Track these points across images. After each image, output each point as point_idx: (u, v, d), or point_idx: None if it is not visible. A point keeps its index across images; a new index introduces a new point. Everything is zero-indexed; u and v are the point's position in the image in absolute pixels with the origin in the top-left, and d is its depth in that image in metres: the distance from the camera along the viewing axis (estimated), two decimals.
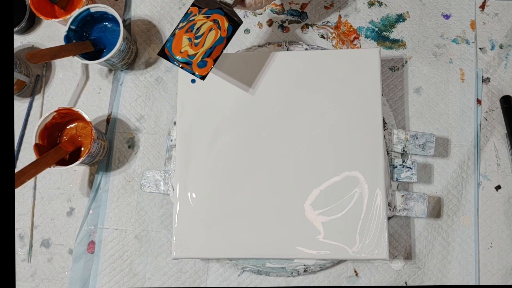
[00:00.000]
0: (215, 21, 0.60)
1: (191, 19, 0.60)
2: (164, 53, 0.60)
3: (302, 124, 0.64)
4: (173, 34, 0.60)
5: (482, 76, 0.70)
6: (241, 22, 0.61)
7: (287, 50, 0.70)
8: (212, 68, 0.59)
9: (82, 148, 0.68)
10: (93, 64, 0.73)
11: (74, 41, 0.70)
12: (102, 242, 0.68)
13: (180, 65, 0.59)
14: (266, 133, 0.64)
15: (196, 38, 0.60)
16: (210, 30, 0.60)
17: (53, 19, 0.70)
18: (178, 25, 0.61)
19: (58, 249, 0.69)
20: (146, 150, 0.71)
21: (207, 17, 0.60)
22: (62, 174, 0.72)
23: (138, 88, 0.73)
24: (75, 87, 0.73)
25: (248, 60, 0.67)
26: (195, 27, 0.60)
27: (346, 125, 0.64)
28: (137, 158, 0.71)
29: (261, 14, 0.75)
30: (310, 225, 0.61)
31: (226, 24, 0.60)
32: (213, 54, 0.60)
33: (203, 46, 0.60)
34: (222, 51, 0.60)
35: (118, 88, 0.73)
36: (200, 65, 0.59)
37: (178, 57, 0.59)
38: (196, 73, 0.59)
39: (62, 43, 0.75)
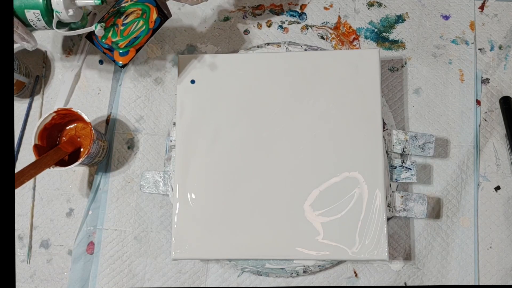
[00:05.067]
0: (144, 11, 0.60)
1: (122, 5, 0.60)
2: (90, 37, 0.61)
3: (301, 125, 0.64)
4: (102, 19, 0.60)
5: (482, 77, 0.70)
6: (170, 15, 0.62)
7: (287, 50, 0.70)
8: (133, 57, 0.60)
9: (82, 149, 0.68)
10: (89, 66, 0.73)
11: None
12: (101, 243, 0.68)
13: (103, 51, 0.60)
14: (265, 134, 0.64)
15: (123, 25, 0.60)
16: (138, 19, 0.60)
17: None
18: (109, 9, 0.61)
19: (58, 250, 0.69)
20: (146, 151, 0.71)
21: (138, 5, 0.60)
22: (62, 175, 0.72)
23: (137, 88, 0.73)
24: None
25: (247, 60, 0.67)
26: (124, 14, 0.60)
27: (345, 125, 0.64)
28: (137, 159, 0.71)
29: (261, 15, 0.74)
30: (310, 225, 0.61)
31: (155, 15, 0.60)
32: (137, 44, 0.61)
33: (128, 34, 0.60)
34: (146, 42, 0.61)
35: (118, 88, 0.73)
36: (122, 54, 0.61)
37: (102, 43, 0.60)
38: (117, 61, 0.61)
39: (60, 43, 0.75)
